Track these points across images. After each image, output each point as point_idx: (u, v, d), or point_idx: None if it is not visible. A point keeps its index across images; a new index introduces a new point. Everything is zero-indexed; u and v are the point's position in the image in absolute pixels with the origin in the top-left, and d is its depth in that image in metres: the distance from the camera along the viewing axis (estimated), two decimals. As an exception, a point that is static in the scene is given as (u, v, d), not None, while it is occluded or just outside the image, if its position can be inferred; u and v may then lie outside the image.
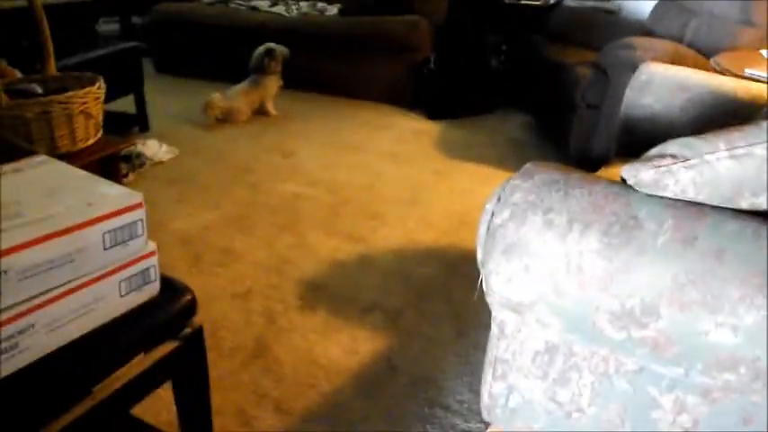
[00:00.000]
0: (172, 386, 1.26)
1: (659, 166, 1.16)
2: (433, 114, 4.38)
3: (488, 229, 1.22)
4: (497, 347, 1.39)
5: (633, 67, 2.43)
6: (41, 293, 0.99)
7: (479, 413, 1.69)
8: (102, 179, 1.16)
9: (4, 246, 0.91)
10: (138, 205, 1.10)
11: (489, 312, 1.37)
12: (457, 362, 1.94)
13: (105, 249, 1.06)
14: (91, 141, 1.71)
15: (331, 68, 4.78)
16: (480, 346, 1.98)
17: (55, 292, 1.00)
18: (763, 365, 1.04)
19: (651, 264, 1.08)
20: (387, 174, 3.38)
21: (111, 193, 1.09)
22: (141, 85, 3.82)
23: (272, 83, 4.31)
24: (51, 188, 1.09)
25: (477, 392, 1.80)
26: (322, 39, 4.78)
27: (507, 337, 1.36)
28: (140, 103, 3.86)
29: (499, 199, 1.23)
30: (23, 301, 0.96)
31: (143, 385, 1.16)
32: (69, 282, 1.02)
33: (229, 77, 4.42)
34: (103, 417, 1.11)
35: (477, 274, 2.13)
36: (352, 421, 1.70)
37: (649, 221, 1.11)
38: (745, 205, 1.17)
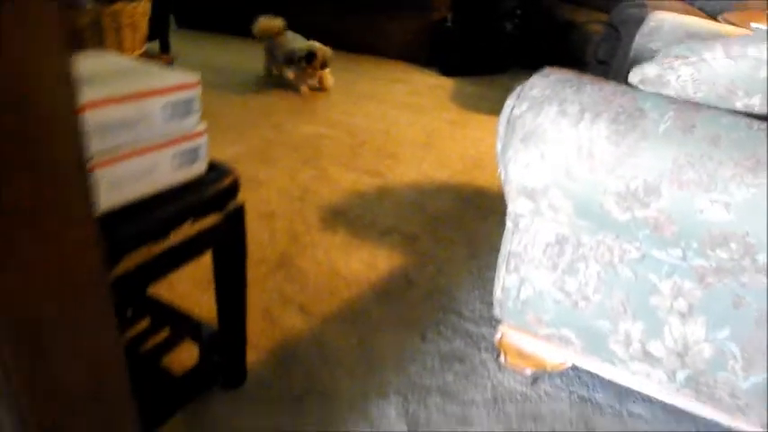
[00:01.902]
0: (212, 257, 1.39)
1: (663, 63, 1.27)
2: (447, 71, 4.48)
3: (508, 120, 1.34)
4: (511, 242, 1.51)
5: (643, 22, 2.53)
6: (106, 152, 1.10)
7: (490, 320, 1.83)
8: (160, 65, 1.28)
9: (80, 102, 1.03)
10: (195, 84, 1.22)
11: (500, 238, 1.50)
12: (469, 279, 2.06)
13: (164, 121, 1.18)
14: (137, 53, 1.83)
15: (348, 26, 4.86)
16: (491, 266, 2.09)
17: (118, 153, 1.12)
18: (751, 241, 1.15)
19: (653, 148, 1.19)
20: (402, 121, 3.49)
21: (170, 73, 1.21)
22: (167, 31, 3.91)
23: (306, 78, 3.87)
24: (118, 67, 1.22)
25: (488, 303, 1.93)
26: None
27: (521, 230, 1.48)
28: (165, 47, 3.95)
29: (518, 95, 1.35)
30: (91, 157, 1.08)
31: (189, 249, 1.28)
32: (131, 145, 1.14)
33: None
34: (153, 275, 1.24)
35: (491, 207, 2.26)
36: (371, 323, 1.83)
37: (653, 112, 1.23)
38: (739, 105, 1.29)
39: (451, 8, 4.63)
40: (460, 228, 2.37)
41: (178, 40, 4.41)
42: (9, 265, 0.62)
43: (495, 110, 3.72)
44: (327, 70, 3.89)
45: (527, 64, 4.64)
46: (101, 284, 0.76)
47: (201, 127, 1.27)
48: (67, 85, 0.63)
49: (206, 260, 1.94)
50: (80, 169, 0.68)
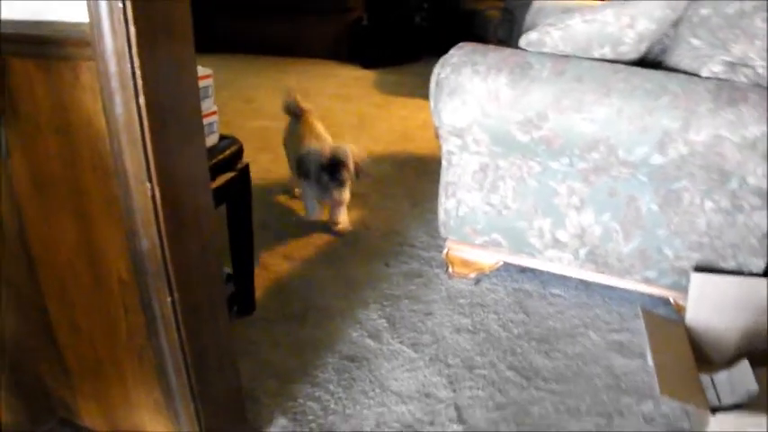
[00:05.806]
0: (227, 208, 1.84)
1: (541, 30, 1.80)
2: (368, 64, 5.01)
3: (437, 83, 1.84)
4: (447, 174, 2.01)
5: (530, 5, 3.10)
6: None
7: (437, 247, 2.32)
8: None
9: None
10: (210, 76, 1.67)
11: (434, 192, 2.00)
12: (415, 222, 2.56)
13: (193, 103, 1.62)
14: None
15: (273, 31, 5.32)
16: (431, 210, 2.60)
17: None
18: (613, 142, 1.68)
19: (539, 88, 1.71)
20: (336, 109, 3.98)
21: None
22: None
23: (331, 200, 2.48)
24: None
25: (432, 236, 2.43)
26: (264, 2, 5.29)
27: (453, 165, 1.98)
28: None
29: (442, 63, 1.85)
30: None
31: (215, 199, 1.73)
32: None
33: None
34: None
35: (422, 168, 2.76)
36: (343, 260, 2.31)
37: (537, 64, 1.75)
38: (596, 54, 1.81)
39: (366, 8, 5.15)
40: (401, 185, 2.88)
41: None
42: (167, 173, 1.09)
43: (413, 93, 4.31)
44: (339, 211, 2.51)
45: (437, 51, 5.19)
46: (207, 190, 1.23)
47: (215, 107, 1.73)
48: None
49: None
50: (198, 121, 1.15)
